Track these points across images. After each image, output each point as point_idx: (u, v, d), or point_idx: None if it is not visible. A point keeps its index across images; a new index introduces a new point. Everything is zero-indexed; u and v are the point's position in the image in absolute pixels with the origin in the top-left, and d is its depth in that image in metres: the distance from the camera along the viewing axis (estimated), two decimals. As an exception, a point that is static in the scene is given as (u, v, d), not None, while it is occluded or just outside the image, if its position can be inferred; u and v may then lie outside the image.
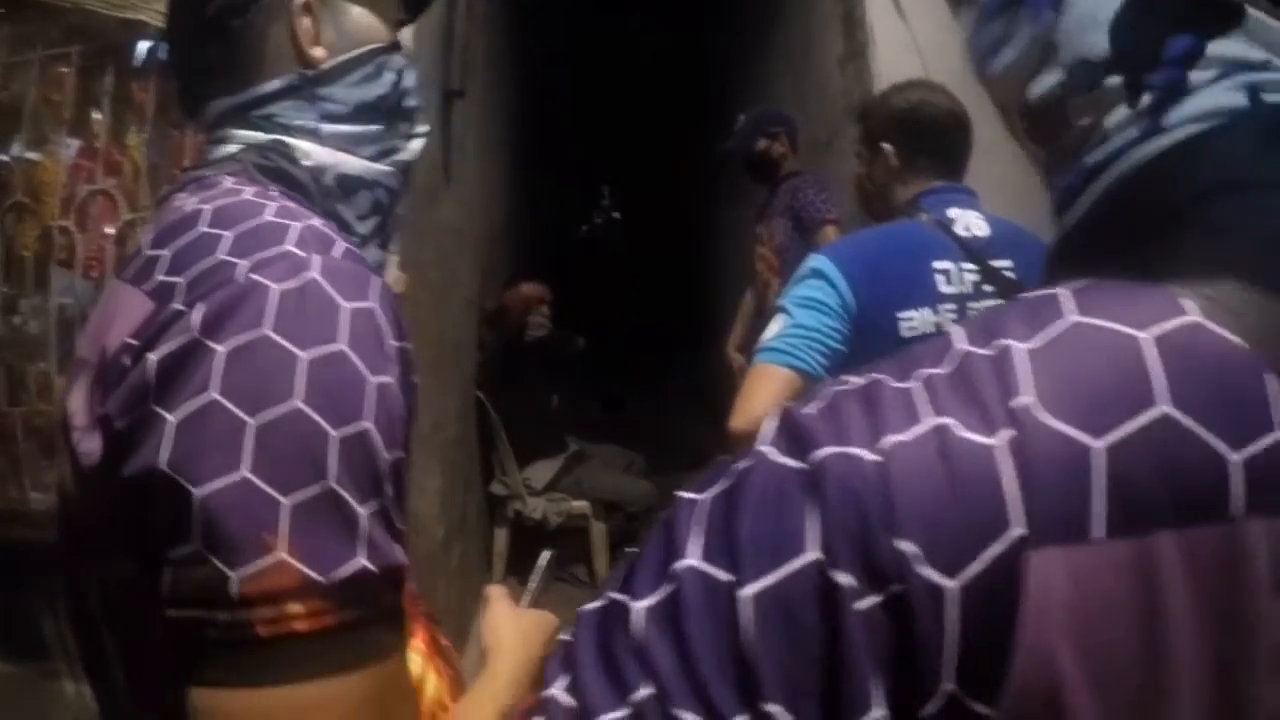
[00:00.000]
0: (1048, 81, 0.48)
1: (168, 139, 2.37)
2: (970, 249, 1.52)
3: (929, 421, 0.36)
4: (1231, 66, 0.43)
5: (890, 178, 1.70)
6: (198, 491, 0.54)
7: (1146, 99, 0.43)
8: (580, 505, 4.08)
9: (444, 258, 3.21)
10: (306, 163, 0.82)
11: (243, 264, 0.62)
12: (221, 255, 0.63)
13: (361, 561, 0.56)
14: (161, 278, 0.65)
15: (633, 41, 6.31)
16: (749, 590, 0.35)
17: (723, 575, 0.36)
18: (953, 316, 1.47)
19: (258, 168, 0.79)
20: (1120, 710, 0.33)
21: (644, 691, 0.36)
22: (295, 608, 0.53)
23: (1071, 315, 0.38)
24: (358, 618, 0.56)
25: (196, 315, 0.59)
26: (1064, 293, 0.39)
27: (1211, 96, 0.42)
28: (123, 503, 0.59)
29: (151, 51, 2.35)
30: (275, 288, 0.60)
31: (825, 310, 1.46)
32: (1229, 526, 0.34)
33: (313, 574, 0.54)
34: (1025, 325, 0.38)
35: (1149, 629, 0.33)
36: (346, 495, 0.56)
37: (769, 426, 0.39)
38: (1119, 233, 0.43)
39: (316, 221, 0.70)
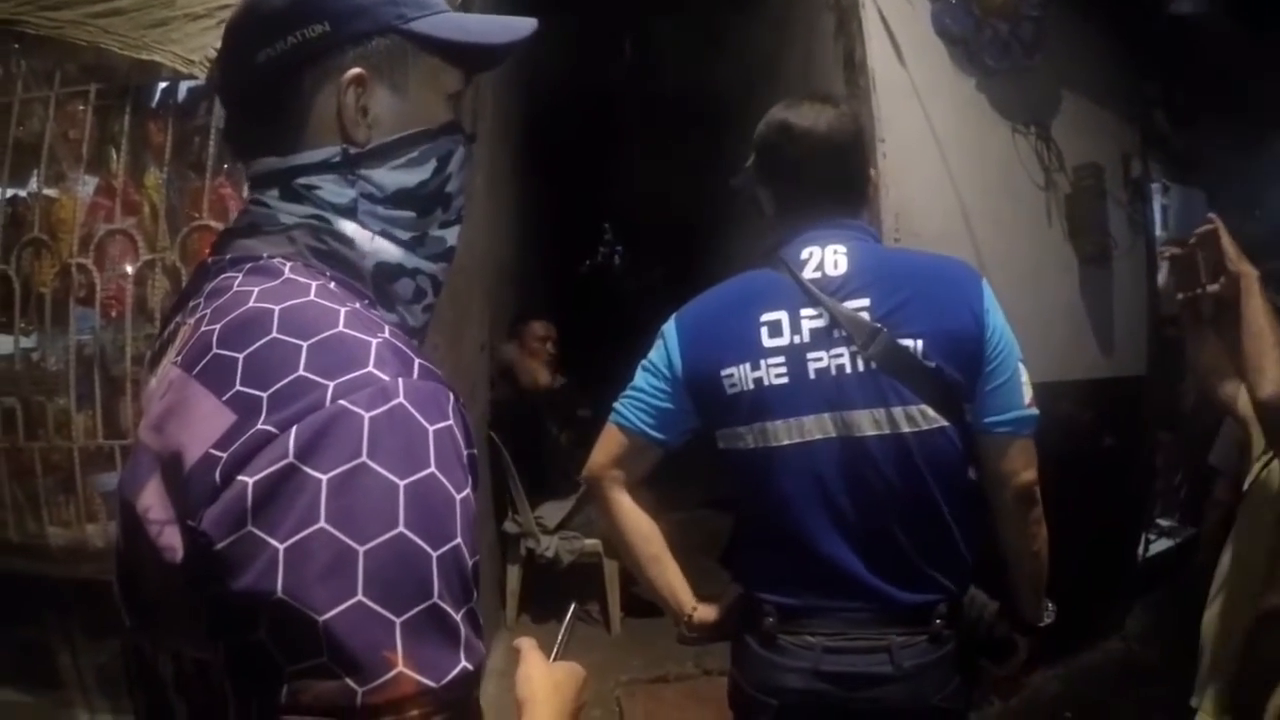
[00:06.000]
0: None
1: (186, 181, 2.41)
2: (813, 293, 1.45)
3: None
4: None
5: (770, 222, 1.61)
6: (320, 618, 0.60)
7: None
8: (592, 543, 4.07)
9: (456, 299, 3.24)
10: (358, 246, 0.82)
11: (328, 386, 0.65)
12: (303, 372, 0.66)
13: (463, 663, 0.64)
14: (241, 388, 0.67)
15: (634, 74, 6.34)
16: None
17: None
18: (781, 369, 1.44)
19: (312, 250, 0.79)
20: None
21: None
22: (412, 712, 0.61)
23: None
24: (459, 709, 0.64)
25: (289, 440, 0.63)
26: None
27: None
28: (217, 608, 0.64)
29: (168, 93, 2.40)
30: (365, 415, 0.64)
31: (655, 373, 1.57)
32: None
33: (428, 682, 0.61)
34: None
35: None
36: (447, 607, 0.64)
37: None
38: None
39: (387, 331, 0.72)
